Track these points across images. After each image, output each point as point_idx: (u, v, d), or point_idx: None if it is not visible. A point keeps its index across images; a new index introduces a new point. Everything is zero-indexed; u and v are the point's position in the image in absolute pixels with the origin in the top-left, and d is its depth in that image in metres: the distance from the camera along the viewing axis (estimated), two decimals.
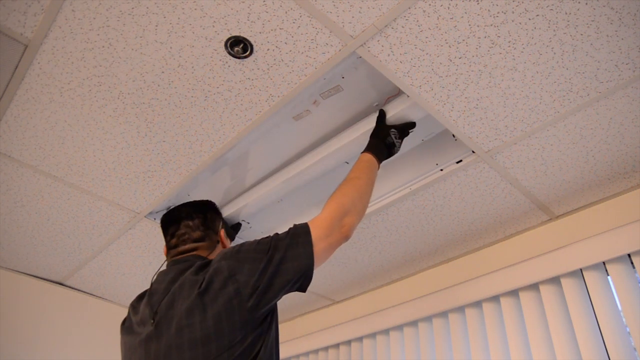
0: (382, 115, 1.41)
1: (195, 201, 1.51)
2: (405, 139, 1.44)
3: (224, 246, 1.44)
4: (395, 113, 1.41)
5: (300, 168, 1.61)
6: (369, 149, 1.37)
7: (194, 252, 1.35)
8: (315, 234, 1.18)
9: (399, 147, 1.41)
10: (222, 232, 1.46)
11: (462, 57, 1.21)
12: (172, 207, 1.51)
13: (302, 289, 1.18)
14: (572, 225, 1.68)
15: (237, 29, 1.18)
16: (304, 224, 1.21)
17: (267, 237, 1.21)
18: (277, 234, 1.21)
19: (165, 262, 1.39)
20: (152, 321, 1.17)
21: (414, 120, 1.43)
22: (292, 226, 1.21)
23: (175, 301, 1.16)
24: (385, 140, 1.37)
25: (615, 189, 1.59)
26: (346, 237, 1.22)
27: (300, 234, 1.18)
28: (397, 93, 1.40)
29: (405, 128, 1.42)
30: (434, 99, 1.34)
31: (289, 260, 1.13)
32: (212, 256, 1.35)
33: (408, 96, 1.36)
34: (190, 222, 1.40)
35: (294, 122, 1.52)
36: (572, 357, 1.48)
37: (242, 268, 1.12)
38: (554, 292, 1.61)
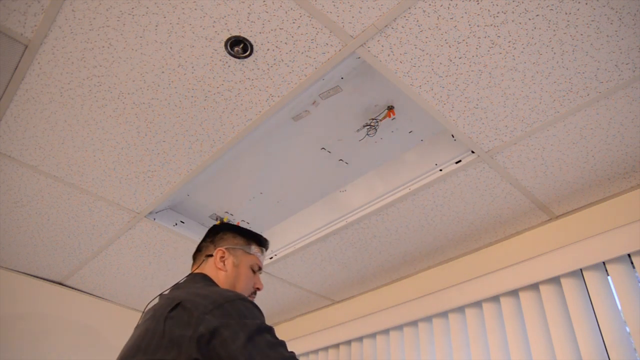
0: None
1: (242, 227, 1.48)
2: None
3: (216, 265, 1.33)
4: None
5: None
6: None
7: (194, 268, 1.38)
8: None
9: None
10: (220, 252, 1.35)
11: (462, 57, 1.21)
12: None
13: None
14: (572, 225, 1.68)
15: (237, 29, 1.18)
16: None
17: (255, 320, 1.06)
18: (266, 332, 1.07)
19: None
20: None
21: None
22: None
23: (152, 314, 1.11)
24: None
25: (615, 189, 1.59)
26: None
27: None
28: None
29: None
30: (434, 99, 1.33)
31: None
32: (207, 271, 1.33)
33: None
34: (212, 234, 1.44)
35: (293, 123, 1.52)
36: (572, 357, 1.48)
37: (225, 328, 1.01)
38: (554, 292, 1.61)
